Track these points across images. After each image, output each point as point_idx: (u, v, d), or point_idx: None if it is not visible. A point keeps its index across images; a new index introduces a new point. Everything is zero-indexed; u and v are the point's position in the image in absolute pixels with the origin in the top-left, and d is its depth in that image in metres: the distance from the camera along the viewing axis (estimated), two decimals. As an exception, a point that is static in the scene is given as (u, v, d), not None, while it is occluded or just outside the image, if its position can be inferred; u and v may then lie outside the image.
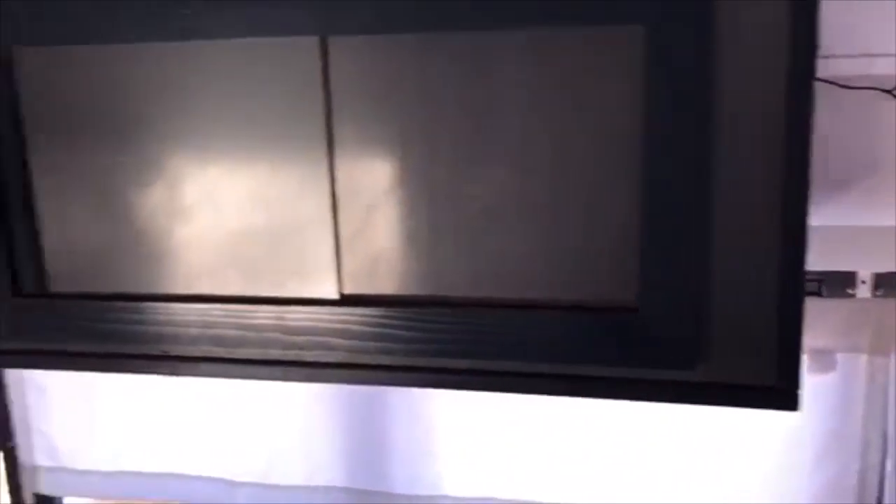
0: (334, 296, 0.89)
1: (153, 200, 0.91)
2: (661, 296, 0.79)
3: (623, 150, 0.78)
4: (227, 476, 1.59)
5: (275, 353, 0.92)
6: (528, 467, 1.43)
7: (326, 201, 0.86)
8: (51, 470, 1.68)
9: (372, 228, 0.87)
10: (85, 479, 1.66)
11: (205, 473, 1.61)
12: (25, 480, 1.71)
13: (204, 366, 0.93)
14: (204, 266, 0.91)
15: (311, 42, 0.82)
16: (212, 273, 0.91)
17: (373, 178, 0.86)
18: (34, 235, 0.94)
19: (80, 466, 1.66)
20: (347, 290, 0.89)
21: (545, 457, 1.42)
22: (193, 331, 0.92)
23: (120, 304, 0.93)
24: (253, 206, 0.88)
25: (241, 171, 0.88)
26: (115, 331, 0.94)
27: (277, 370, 0.93)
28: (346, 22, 0.80)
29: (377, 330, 0.89)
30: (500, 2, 0.76)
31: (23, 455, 1.69)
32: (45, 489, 1.71)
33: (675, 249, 0.78)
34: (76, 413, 1.64)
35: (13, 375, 1.69)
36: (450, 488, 1.46)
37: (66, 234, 0.95)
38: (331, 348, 0.90)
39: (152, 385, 1.59)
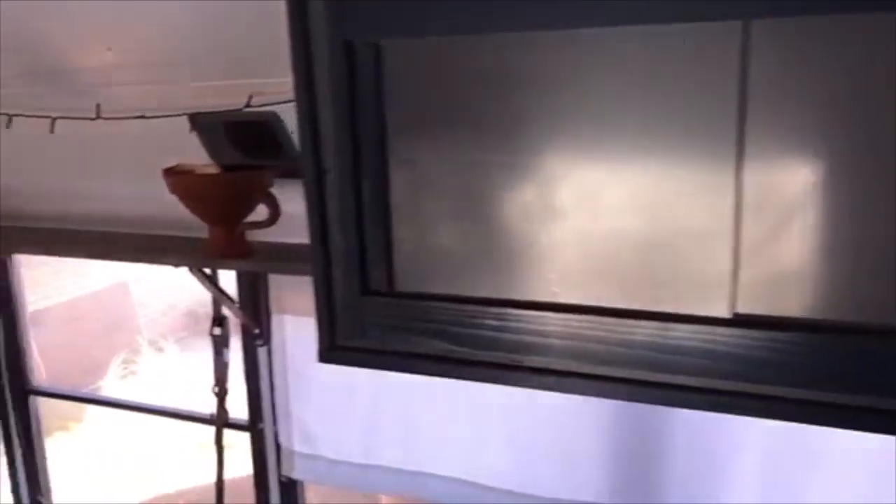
0: (725, 314, 0.79)
1: (519, 201, 0.85)
2: None
3: None
4: (482, 481, 1.56)
5: (640, 374, 0.83)
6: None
7: (729, 209, 0.76)
8: (306, 456, 1.72)
9: (778, 242, 0.76)
10: (338, 469, 1.69)
11: (459, 475, 1.59)
12: (284, 463, 1.77)
13: (558, 380, 0.86)
14: (571, 274, 0.85)
15: (729, 27, 0.72)
16: (580, 282, 0.84)
17: (786, 185, 0.75)
18: (387, 232, 0.91)
19: (335, 456, 1.69)
20: (741, 310, 0.79)
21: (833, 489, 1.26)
22: (552, 342, 0.85)
23: (470, 307, 0.89)
24: (637, 210, 0.80)
25: (627, 172, 0.80)
26: (464, 335, 0.90)
27: (640, 391, 0.84)
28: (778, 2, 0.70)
29: (769, 355, 0.78)
30: None
31: (281, 439, 1.75)
32: (298, 474, 1.75)
33: None
34: (334, 402, 1.67)
35: (276, 360, 1.75)
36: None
37: (418, 233, 0.91)
38: (708, 372, 0.81)
39: (412, 382, 1.58)
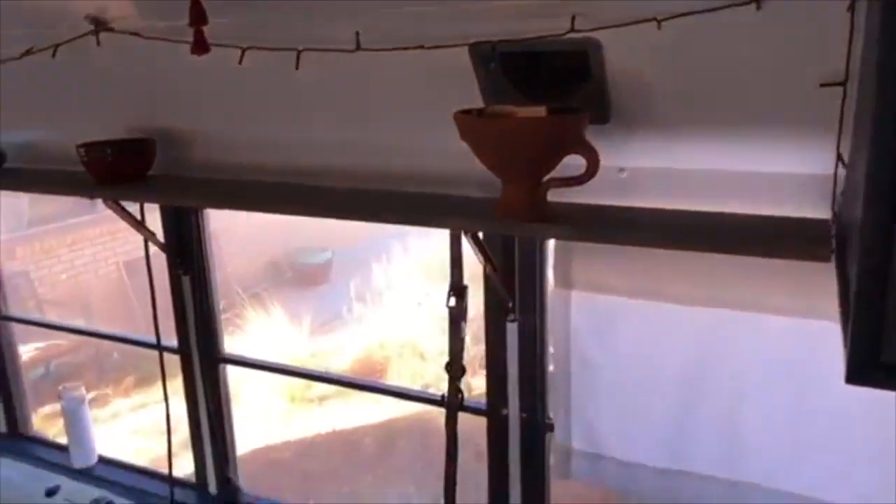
0: None
1: None
2: None
3: None
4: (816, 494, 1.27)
5: None
6: None
7: None
8: (588, 455, 1.46)
9: None
10: (630, 473, 1.42)
11: (786, 488, 1.30)
12: (559, 461, 1.51)
13: None
14: None
15: None
16: None
17: None
18: None
19: (626, 457, 1.42)
20: None
21: None
22: None
23: None
24: None
25: None
26: None
27: None
28: None
29: None
30: None
31: (558, 434, 1.49)
32: (578, 475, 1.49)
33: None
34: (628, 396, 1.39)
35: (558, 343, 1.47)
36: None
37: None
38: None
39: (734, 381, 1.29)
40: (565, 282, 1.40)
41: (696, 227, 1.21)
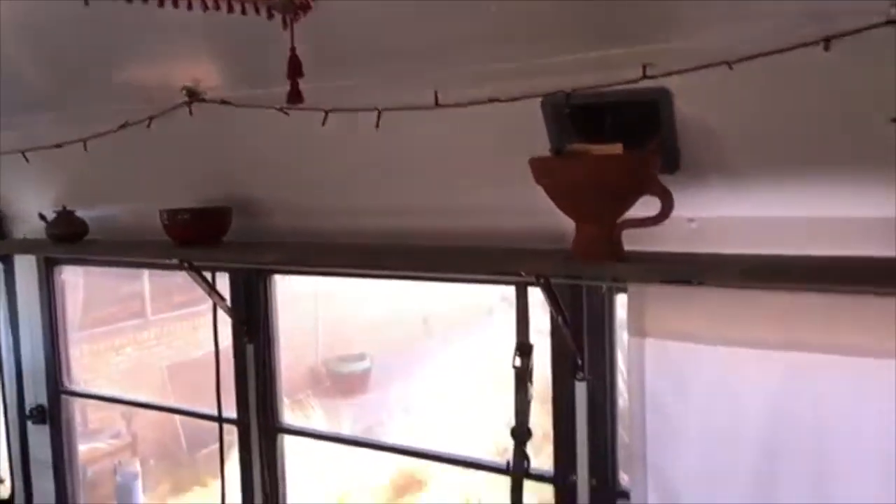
0: None
1: None
2: None
3: None
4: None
5: None
6: None
7: None
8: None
9: None
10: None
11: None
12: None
13: None
14: None
15: None
16: None
17: None
18: None
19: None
20: None
21: None
22: None
23: None
24: None
25: None
26: None
27: None
28: None
29: None
30: None
31: (634, 495, 1.42)
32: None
33: None
34: (711, 451, 1.34)
35: (632, 395, 1.44)
36: None
37: None
38: None
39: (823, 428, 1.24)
40: (639, 330, 1.39)
41: (779, 266, 1.22)
